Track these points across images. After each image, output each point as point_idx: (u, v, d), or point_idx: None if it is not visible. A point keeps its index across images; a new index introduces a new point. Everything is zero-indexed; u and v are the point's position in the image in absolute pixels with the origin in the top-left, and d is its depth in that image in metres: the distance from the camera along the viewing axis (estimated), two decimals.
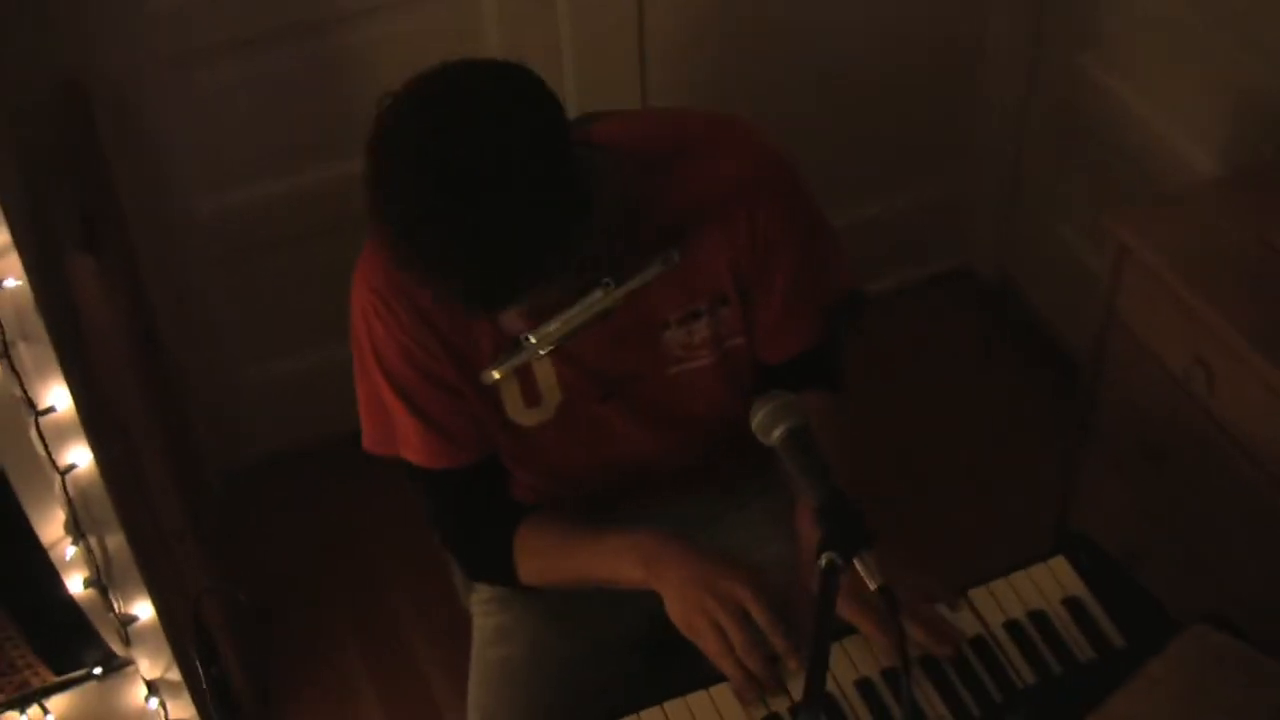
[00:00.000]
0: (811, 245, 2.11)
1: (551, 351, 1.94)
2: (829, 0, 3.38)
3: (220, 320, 3.47)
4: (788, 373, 2.15)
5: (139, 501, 2.71)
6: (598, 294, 1.88)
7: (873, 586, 1.66)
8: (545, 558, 2.15)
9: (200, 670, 1.74)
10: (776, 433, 1.76)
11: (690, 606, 1.96)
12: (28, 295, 2.23)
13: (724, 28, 3.35)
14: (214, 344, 3.50)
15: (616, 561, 2.06)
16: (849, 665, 1.98)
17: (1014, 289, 3.92)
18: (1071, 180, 3.55)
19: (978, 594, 2.05)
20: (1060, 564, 2.07)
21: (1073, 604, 2.02)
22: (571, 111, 3.03)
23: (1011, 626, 2.00)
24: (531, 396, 2.09)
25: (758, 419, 1.78)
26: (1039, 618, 2.01)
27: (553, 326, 1.88)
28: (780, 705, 1.95)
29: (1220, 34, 2.90)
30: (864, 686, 1.96)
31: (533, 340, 1.89)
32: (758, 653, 1.92)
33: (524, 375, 2.07)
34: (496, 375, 1.94)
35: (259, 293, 3.42)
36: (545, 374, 2.07)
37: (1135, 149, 3.24)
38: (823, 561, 1.66)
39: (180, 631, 2.78)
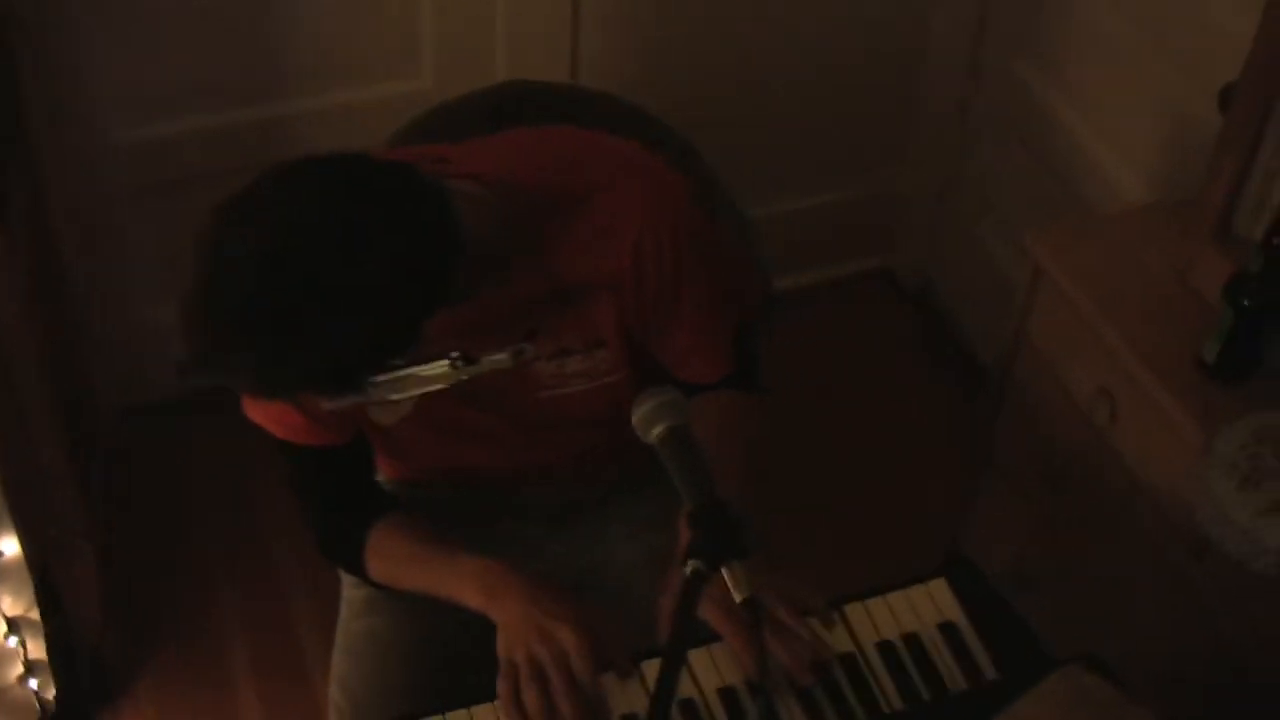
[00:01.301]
0: (713, 282, 2.06)
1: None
2: None
3: (130, 257, 3.39)
4: (703, 389, 2.11)
5: (17, 439, 2.64)
6: (441, 366, 1.80)
7: (738, 598, 1.62)
8: (394, 564, 2.12)
9: (39, 616, 1.68)
10: (655, 430, 1.71)
11: (514, 643, 1.92)
12: None
13: (662, 4, 3.30)
14: (122, 281, 3.43)
15: (460, 585, 2.02)
16: (714, 672, 1.94)
17: (934, 295, 3.90)
18: (1002, 191, 3.52)
19: (854, 609, 2.01)
20: (940, 587, 2.04)
21: (948, 630, 1.99)
22: (499, 74, 3.00)
23: (884, 647, 1.97)
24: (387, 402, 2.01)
25: (638, 414, 1.73)
26: (913, 641, 1.97)
27: (393, 382, 1.78)
28: (640, 706, 1.91)
29: (1159, 59, 2.87)
30: (727, 695, 1.92)
31: (370, 388, 1.78)
32: (571, 701, 1.87)
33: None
34: (329, 405, 1.85)
35: (171, 232, 3.32)
36: None
37: (1067, 165, 3.22)
38: (688, 569, 1.62)
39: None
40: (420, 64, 3.15)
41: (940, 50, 3.55)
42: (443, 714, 1.92)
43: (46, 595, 1.63)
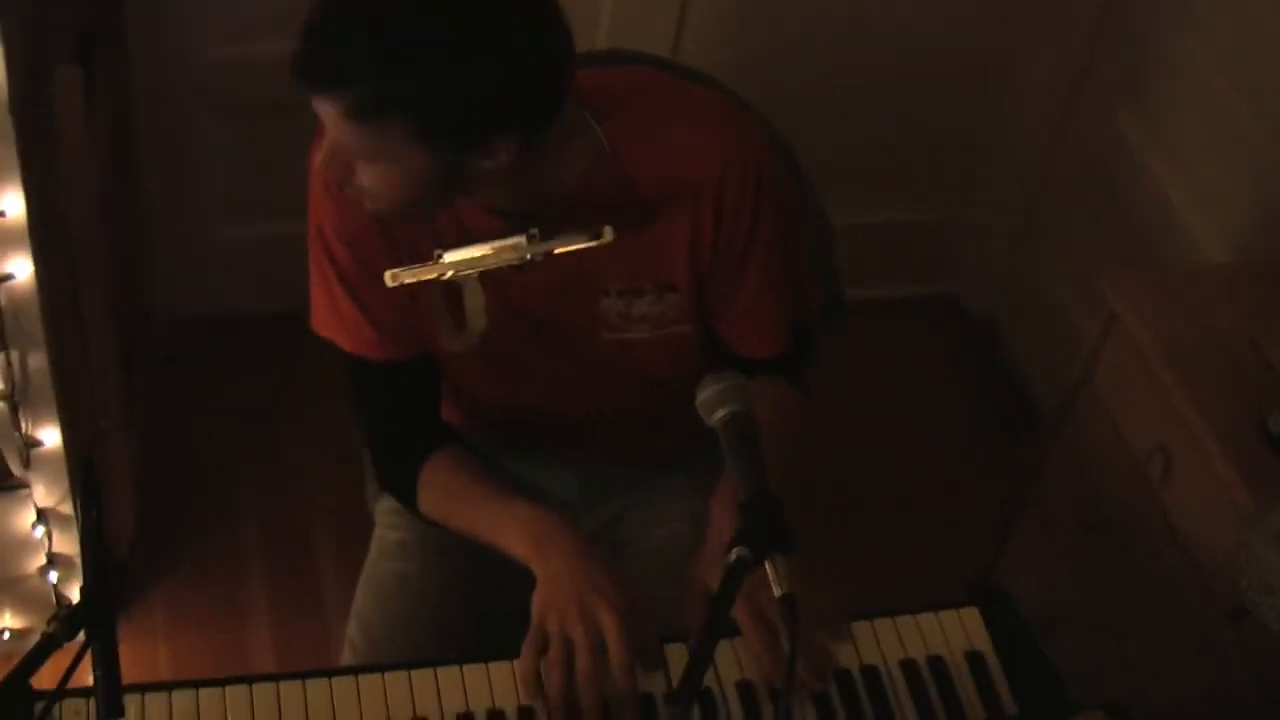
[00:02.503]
0: (785, 252, 2.05)
1: (483, 279, 1.90)
2: (878, 2, 3.33)
3: (204, 173, 3.40)
4: (752, 366, 2.08)
5: (72, 328, 2.64)
6: (519, 239, 1.83)
7: (777, 593, 1.61)
8: (446, 498, 2.09)
9: (77, 508, 1.68)
10: (719, 414, 1.71)
11: (550, 605, 1.88)
12: (1, 91, 2.15)
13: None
14: (193, 195, 3.44)
15: (508, 530, 1.99)
16: (735, 665, 1.92)
17: (999, 329, 3.87)
18: (1080, 234, 3.49)
19: (883, 625, 1.99)
20: (972, 615, 2.02)
21: (975, 659, 1.97)
22: (601, 41, 2.99)
23: (908, 666, 1.95)
24: (457, 320, 2.02)
25: (704, 395, 1.72)
26: (937, 664, 1.95)
27: (465, 253, 1.84)
28: (656, 688, 1.89)
29: (1260, 123, 2.85)
30: (745, 689, 1.90)
31: (440, 257, 1.84)
32: (594, 688, 1.83)
33: (452, 298, 2.00)
34: (395, 278, 1.88)
35: (247, 153, 3.35)
36: (474, 301, 2.00)
37: (1150, 218, 3.19)
38: (732, 556, 1.61)
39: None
40: None
41: (1038, 86, 3.52)
42: (460, 665, 1.90)
43: (87, 490, 1.62)
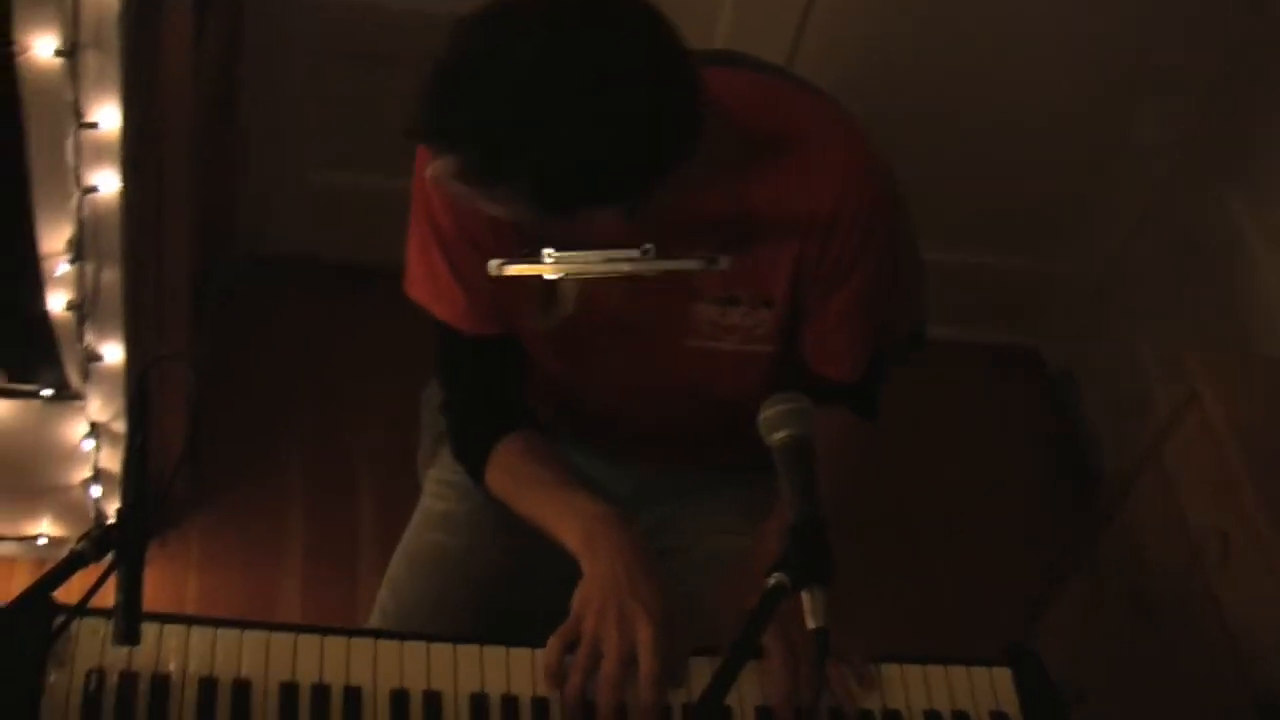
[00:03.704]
0: (881, 276, 2.02)
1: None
2: (996, 43, 3.30)
3: (301, 116, 3.41)
4: (821, 387, 2.05)
5: (150, 248, 2.64)
6: (632, 253, 1.80)
7: (810, 625, 1.57)
8: (512, 481, 2.08)
9: (127, 430, 1.67)
10: (779, 435, 1.67)
11: (590, 605, 1.87)
12: (114, 4, 2.15)
13: (889, 19, 3.26)
14: (287, 136, 3.45)
15: (563, 522, 1.98)
16: (758, 689, 1.89)
17: (1072, 386, 3.82)
18: (1166, 300, 3.45)
19: (912, 671, 1.95)
20: (1003, 675, 1.97)
21: None
22: (718, 40, 2.97)
23: (931, 717, 1.91)
24: (545, 299, 2.00)
25: (767, 413, 1.69)
26: (961, 719, 1.92)
27: (574, 263, 1.81)
28: (676, 699, 1.87)
29: None
30: (764, 714, 1.87)
31: (549, 258, 1.81)
32: (614, 695, 1.82)
33: (546, 279, 1.98)
34: (499, 269, 1.85)
35: (345, 100, 3.35)
36: (567, 286, 1.99)
37: (1243, 298, 3.14)
38: (771, 580, 1.58)
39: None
40: None
41: (1146, 147, 3.48)
42: (480, 645, 1.88)
43: (137, 413, 1.62)
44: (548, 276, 1.84)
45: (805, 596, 1.58)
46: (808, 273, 1.96)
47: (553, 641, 1.86)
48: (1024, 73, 3.35)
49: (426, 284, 2.03)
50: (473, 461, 2.13)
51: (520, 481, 2.07)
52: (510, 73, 1.61)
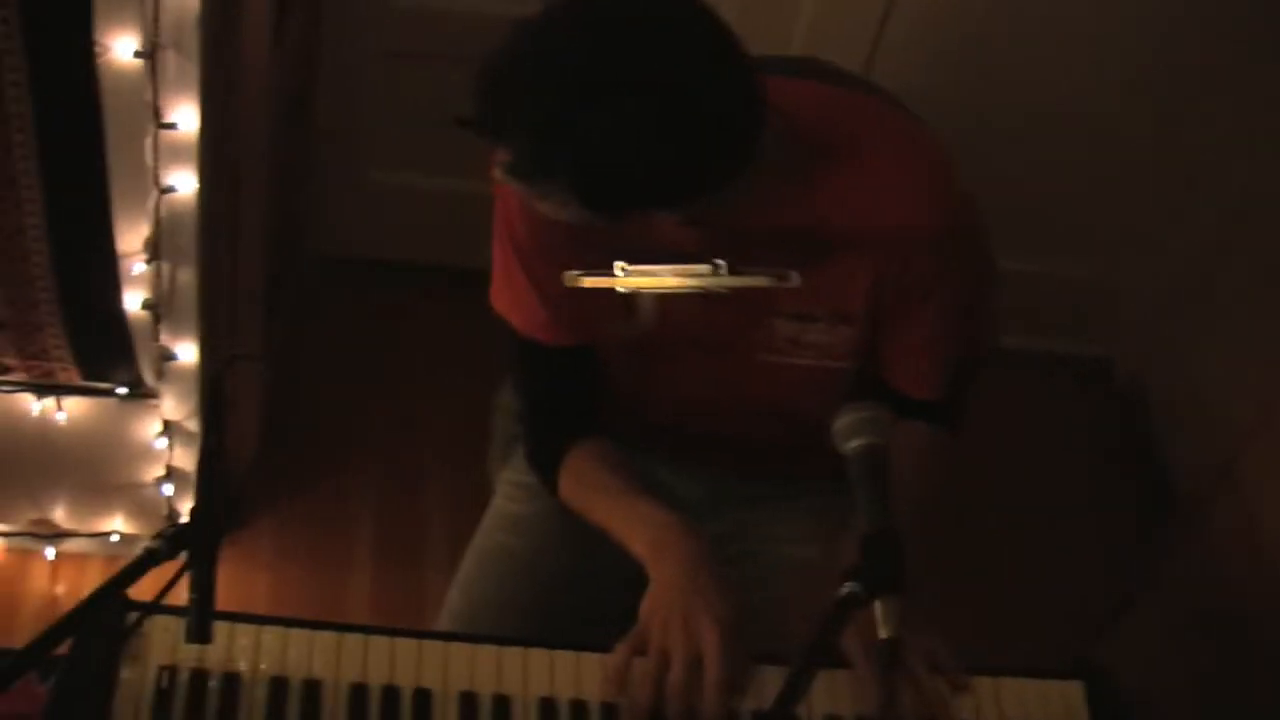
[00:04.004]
0: (962, 294, 2.01)
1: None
2: (1077, 50, 3.28)
3: (377, 118, 3.42)
4: (908, 406, 2.05)
5: (225, 249, 2.66)
6: (703, 269, 1.81)
7: (882, 634, 1.57)
8: (582, 488, 2.09)
9: (201, 429, 1.69)
10: (854, 443, 1.67)
11: (656, 612, 1.87)
12: (194, 6, 2.17)
13: (969, 24, 3.23)
14: (363, 138, 3.46)
15: (631, 530, 1.99)
16: (827, 697, 1.88)
17: (1145, 400, 3.78)
18: (1244, 318, 3.40)
19: (982, 683, 1.94)
20: (1075, 690, 1.96)
21: None
22: (794, 47, 2.96)
23: None
24: (627, 312, 2.00)
25: (842, 422, 1.68)
26: None
27: (645, 276, 1.82)
28: (746, 707, 1.86)
29: None
30: None
31: (621, 271, 1.82)
32: (682, 703, 1.81)
33: (627, 294, 1.98)
34: (574, 280, 1.87)
35: (422, 103, 3.35)
36: (646, 301, 1.99)
37: None
38: (844, 590, 1.57)
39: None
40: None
41: (1230, 161, 3.44)
42: (550, 649, 1.88)
43: (211, 414, 1.63)
44: (619, 289, 1.84)
45: (878, 606, 1.57)
46: (888, 291, 1.94)
47: (620, 649, 1.86)
48: (1105, 79, 3.32)
49: (505, 294, 2.04)
50: (546, 469, 2.14)
51: (591, 489, 2.08)
52: (557, 68, 1.61)
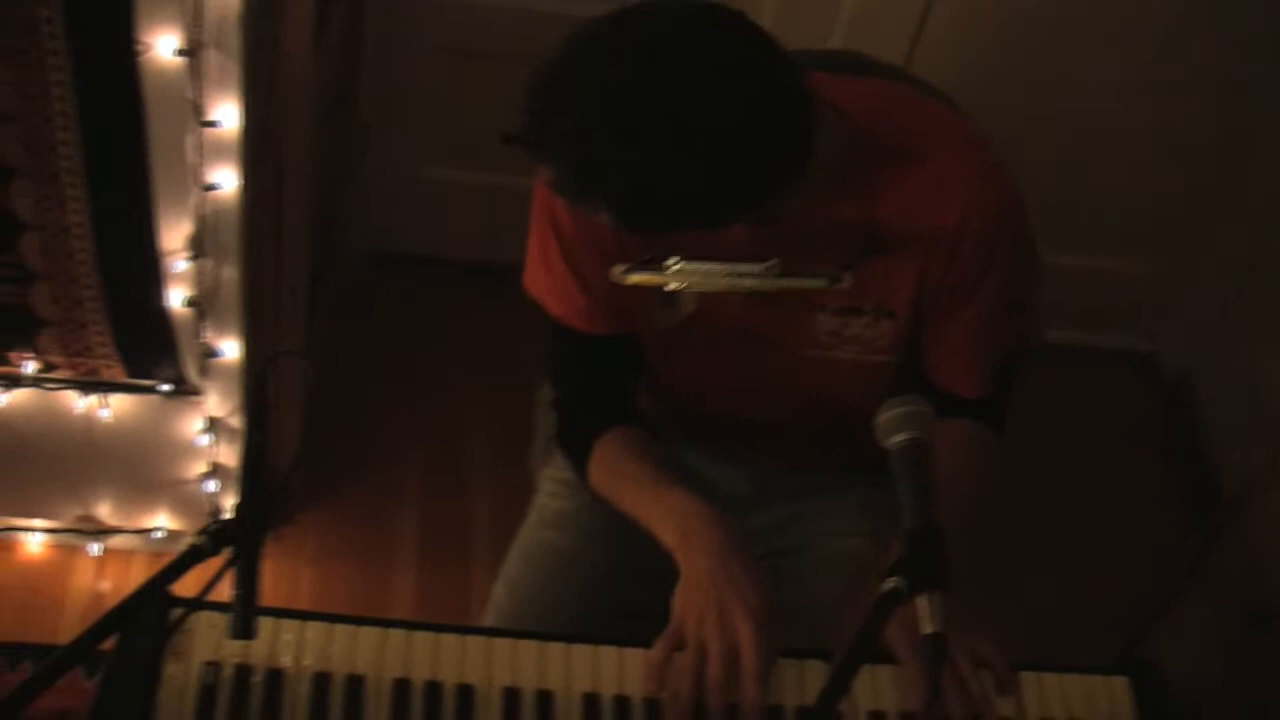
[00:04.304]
0: (1010, 288, 2.01)
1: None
2: (1122, 42, 3.25)
3: (420, 114, 3.42)
4: (953, 403, 2.05)
5: (268, 245, 2.67)
6: (755, 269, 1.80)
7: (925, 631, 1.56)
8: (611, 477, 2.09)
9: (244, 425, 1.69)
10: (896, 438, 1.66)
11: (690, 608, 1.87)
12: (235, 4, 2.17)
13: (1013, 14, 3.21)
14: (406, 134, 3.46)
15: (660, 519, 1.98)
16: (870, 693, 1.88)
17: (1191, 395, 3.76)
18: None
19: (1026, 677, 1.93)
20: (1120, 685, 1.95)
21: None
22: (835, 41, 2.95)
23: None
24: (666, 299, 2.00)
25: (885, 416, 1.67)
26: None
27: (696, 275, 1.81)
28: (789, 700, 1.85)
29: None
30: (876, 718, 1.86)
31: (673, 268, 1.81)
32: (721, 698, 1.81)
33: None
34: (621, 276, 1.87)
35: (465, 98, 3.36)
36: (689, 291, 1.98)
37: None
38: (887, 585, 1.56)
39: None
40: (760, 9, 3.11)
41: (1271, 154, 3.42)
42: (595, 644, 1.88)
43: (255, 411, 1.63)
44: (672, 286, 1.85)
45: (921, 602, 1.57)
46: (933, 286, 1.94)
47: (658, 645, 1.86)
48: (1153, 74, 3.30)
49: (543, 280, 2.03)
50: (576, 456, 2.14)
51: (620, 477, 2.07)
52: (599, 96, 1.61)
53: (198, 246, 2.45)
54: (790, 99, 1.68)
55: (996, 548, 3.28)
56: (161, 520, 2.98)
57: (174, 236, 2.43)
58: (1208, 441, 3.64)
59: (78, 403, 2.71)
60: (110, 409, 2.73)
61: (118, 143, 2.32)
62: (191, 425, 2.77)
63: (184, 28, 2.17)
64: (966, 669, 1.86)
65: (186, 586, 1.62)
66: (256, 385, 1.65)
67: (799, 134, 1.70)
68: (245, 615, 1.58)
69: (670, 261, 1.82)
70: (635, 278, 1.85)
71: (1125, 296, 3.77)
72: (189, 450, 2.82)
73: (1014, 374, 2.15)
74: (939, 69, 2.97)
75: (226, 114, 2.29)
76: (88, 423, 2.75)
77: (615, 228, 1.71)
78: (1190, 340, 3.75)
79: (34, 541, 3.03)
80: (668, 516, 1.97)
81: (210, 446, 2.80)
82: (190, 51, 2.19)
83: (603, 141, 1.61)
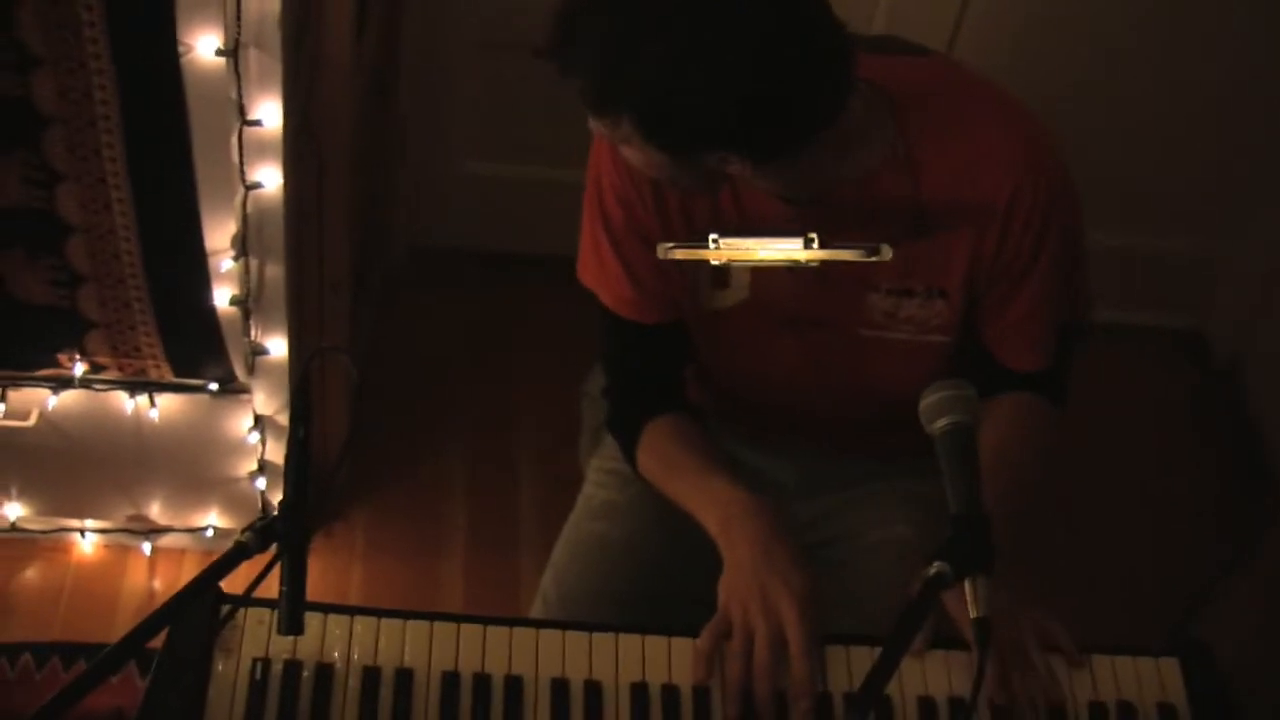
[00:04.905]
0: (1067, 260, 2.00)
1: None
2: (1163, 20, 3.24)
3: (460, 108, 3.43)
4: (1014, 378, 2.06)
5: (312, 243, 2.68)
6: (795, 243, 1.83)
7: (972, 615, 1.56)
8: (657, 463, 2.10)
9: (290, 422, 1.70)
10: (940, 423, 1.65)
11: (734, 594, 1.88)
12: (275, 3, 2.18)
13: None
14: (447, 128, 3.47)
15: (703, 507, 2.00)
16: (920, 678, 1.87)
17: (1242, 373, 3.73)
18: None
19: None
20: (1170, 666, 1.93)
21: (1167, 711, 1.89)
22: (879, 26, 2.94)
23: (1095, 708, 1.87)
24: (719, 283, 2.02)
25: (927, 402, 1.67)
26: (1127, 710, 1.88)
27: (739, 243, 1.85)
28: (837, 686, 1.85)
29: None
30: (926, 704, 1.85)
31: (717, 245, 1.85)
32: (770, 681, 1.82)
33: (720, 269, 1.99)
34: (668, 252, 1.91)
35: (504, 92, 3.37)
36: (741, 276, 2.00)
37: None
38: (932, 570, 1.56)
39: None
40: None
41: None
42: (642, 634, 1.88)
43: (299, 407, 1.64)
44: (713, 262, 1.85)
45: (967, 585, 1.56)
46: (986, 264, 1.94)
47: (705, 632, 1.86)
48: (1203, 56, 3.28)
49: (595, 269, 2.05)
50: (626, 443, 2.15)
51: (666, 465, 2.09)
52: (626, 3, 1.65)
53: (242, 245, 2.46)
54: (828, 16, 1.69)
55: (1047, 527, 3.28)
56: (212, 518, 3.00)
57: (219, 236, 2.45)
58: (1260, 419, 3.61)
59: (127, 403, 2.73)
60: (159, 409, 2.74)
61: (161, 144, 2.33)
62: (240, 423, 2.79)
63: (224, 28, 2.18)
64: (1034, 650, 1.86)
65: (236, 584, 1.64)
66: (300, 382, 1.65)
67: (833, 56, 1.70)
68: (293, 610, 1.59)
69: (712, 237, 1.86)
70: (680, 253, 1.89)
71: (1174, 276, 3.75)
72: (238, 448, 2.83)
73: (1071, 348, 2.14)
74: (981, 53, 2.98)
75: (268, 112, 2.30)
76: (137, 423, 2.77)
77: (648, 156, 1.73)
78: (1240, 319, 3.72)
79: (87, 542, 3.05)
80: (711, 505, 1.99)
81: (259, 444, 2.81)
82: (231, 51, 2.20)
83: (630, 36, 1.64)
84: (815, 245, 1.83)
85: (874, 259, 1.86)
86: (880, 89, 1.85)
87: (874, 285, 1.98)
